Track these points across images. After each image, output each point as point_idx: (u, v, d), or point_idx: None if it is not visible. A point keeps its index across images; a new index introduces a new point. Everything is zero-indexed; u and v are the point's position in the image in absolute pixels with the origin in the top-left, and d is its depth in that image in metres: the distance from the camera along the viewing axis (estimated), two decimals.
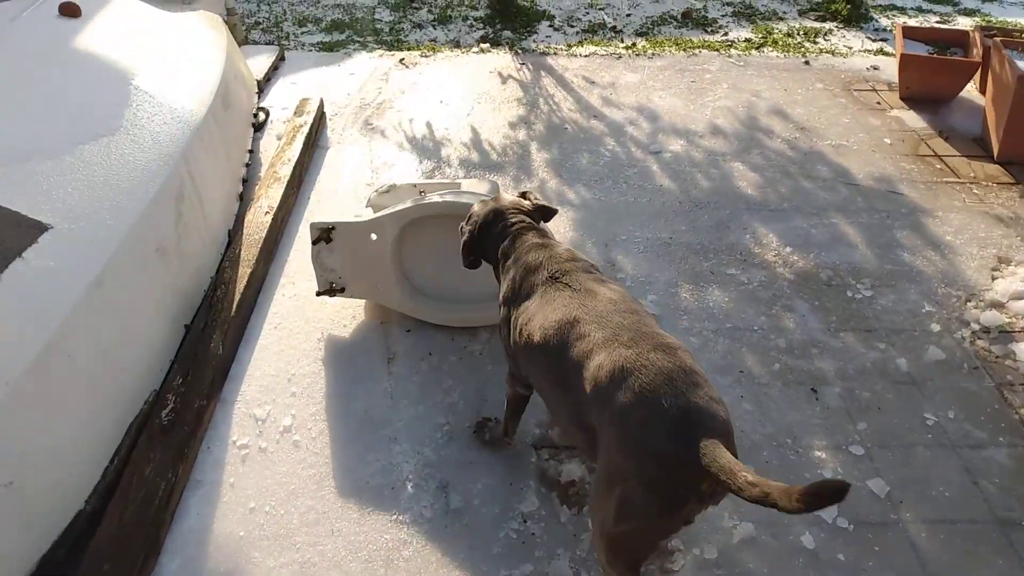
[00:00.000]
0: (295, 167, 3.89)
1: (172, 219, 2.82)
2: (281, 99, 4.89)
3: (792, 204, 3.96)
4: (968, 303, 3.28)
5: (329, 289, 3.03)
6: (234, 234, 3.39)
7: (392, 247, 2.92)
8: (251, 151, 4.15)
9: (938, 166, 4.38)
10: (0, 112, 2.67)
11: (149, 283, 2.64)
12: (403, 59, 5.52)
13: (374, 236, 2.91)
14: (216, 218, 3.31)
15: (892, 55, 5.80)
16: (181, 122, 3.14)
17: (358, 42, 5.88)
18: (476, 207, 2.46)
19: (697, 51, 5.80)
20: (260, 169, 4.06)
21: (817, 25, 6.44)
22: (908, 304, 3.26)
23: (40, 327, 2.06)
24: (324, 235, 2.94)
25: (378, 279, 3.01)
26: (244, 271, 3.13)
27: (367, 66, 5.43)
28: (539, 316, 2.03)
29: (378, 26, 6.22)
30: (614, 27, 6.32)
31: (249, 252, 3.23)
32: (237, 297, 2.99)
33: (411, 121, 4.69)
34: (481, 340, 3.02)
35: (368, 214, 2.99)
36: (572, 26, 6.35)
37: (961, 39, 5.16)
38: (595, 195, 4.00)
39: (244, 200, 3.74)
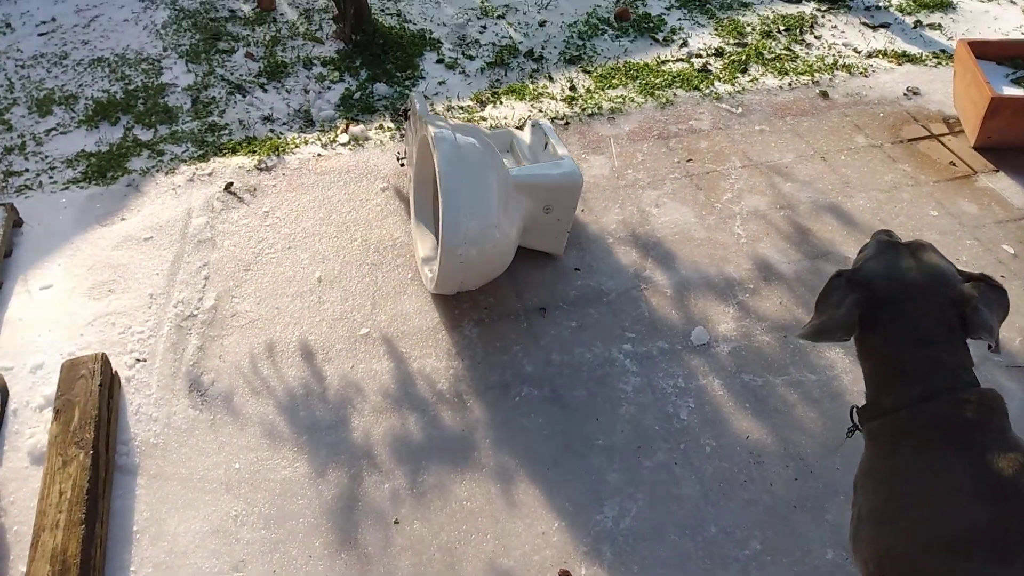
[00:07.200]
0: None
1: None
2: (17, 350, 2.66)
3: None
4: None
5: None
6: None
7: None
8: None
9: None
10: None
11: None
12: (230, 183, 3.35)
13: None
14: None
15: (919, 61, 4.23)
16: None
17: (146, 146, 3.60)
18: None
19: (670, 93, 3.96)
20: None
21: (793, 10, 4.73)
22: None
23: None
24: None
25: None
26: None
27: (171, 208, 3.23)
28: None
29: (173, 100, 3.92)
30: (530, 51, 4.33)
31: None
32: None
33: (270, 348, 2.66)
34: None
35: None
36: (469, 55, 4.31)
37: None
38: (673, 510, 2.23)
39: None
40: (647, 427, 2.44)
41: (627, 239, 3.12)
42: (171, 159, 3.51)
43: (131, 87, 3.99)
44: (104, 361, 2.41)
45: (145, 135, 3.68)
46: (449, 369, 2.60)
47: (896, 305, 1.50)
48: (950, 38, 4.47)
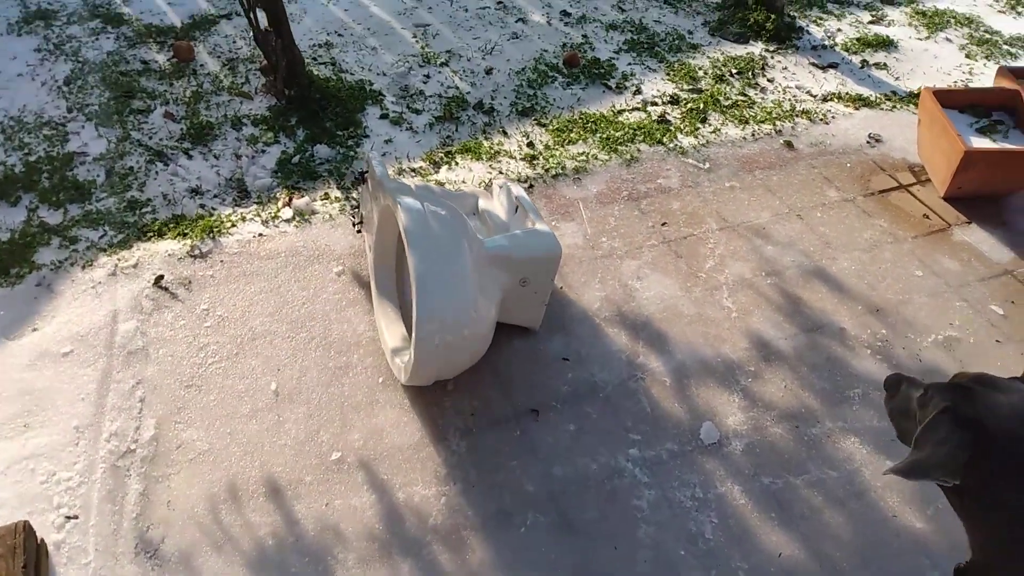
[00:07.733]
0: None
1: None
2: None
3: None
4: None
5: None
6: None
7: None
8: None
9: None
10: None
11: None
12: (160, 277, 2.93)
13: None
14: None
15: (874, 104, 4.19)
16: None
17: (55, 231, 3.12)
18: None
19: (633, 149, 3.76)
20: None
21: (742, 51, 4.64)
22: None
23: None
24: None
25: None
26: None
27: (92, 312, 2.78)
28: None
29: (84, 172, 3.44)
30: (480, 103, 4.05)
31: None
32: None
33: (229, 487, 2.28)
34: None
35: None
36: (415, 109, 4.00)
37: (1007, 99, 3.63)
38: None
39: None
40: (671, 552, 2.19)
41: (613, 319, 2.88)
42: (87, 247, 3.05)
43: (32, 158, 3.48)
44: (27, 531, 1.97)
45: (53, 217, 3.20)
46: (440, 497, 2.29)
47: (1016, 449, 1.29)
48: (897, 78, 4.47)
